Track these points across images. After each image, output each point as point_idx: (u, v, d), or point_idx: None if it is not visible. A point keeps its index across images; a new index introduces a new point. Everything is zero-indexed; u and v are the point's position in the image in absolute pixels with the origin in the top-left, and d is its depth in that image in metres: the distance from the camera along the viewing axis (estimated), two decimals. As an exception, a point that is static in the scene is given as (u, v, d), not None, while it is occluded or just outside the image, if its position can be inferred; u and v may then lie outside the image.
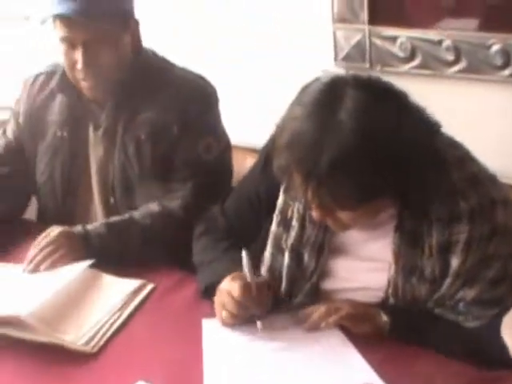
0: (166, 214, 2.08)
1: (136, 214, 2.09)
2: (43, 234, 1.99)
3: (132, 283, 1.86)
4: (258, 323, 1.62)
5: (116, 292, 1.82)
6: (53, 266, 1.92)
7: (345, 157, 1.42)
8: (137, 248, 2.02)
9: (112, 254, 1.99)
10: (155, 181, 2.15)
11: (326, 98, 1.49)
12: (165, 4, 3.00)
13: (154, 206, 2.10)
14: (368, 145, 1.43)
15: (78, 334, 1.64)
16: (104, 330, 1.67)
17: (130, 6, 2.15)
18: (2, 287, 1.86)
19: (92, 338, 1.63)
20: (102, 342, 1.63)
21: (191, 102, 2.15)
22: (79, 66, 2.07)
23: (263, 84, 2.80)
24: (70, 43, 2.07)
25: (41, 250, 1.95)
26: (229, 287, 1.64)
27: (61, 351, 1.61)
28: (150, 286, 1.87)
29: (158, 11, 2.98)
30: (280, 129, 1.55)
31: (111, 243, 2.01)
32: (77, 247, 1.97)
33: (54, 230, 1.99)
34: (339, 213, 1.56)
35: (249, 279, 1.64)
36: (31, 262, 1.93)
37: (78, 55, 2.06)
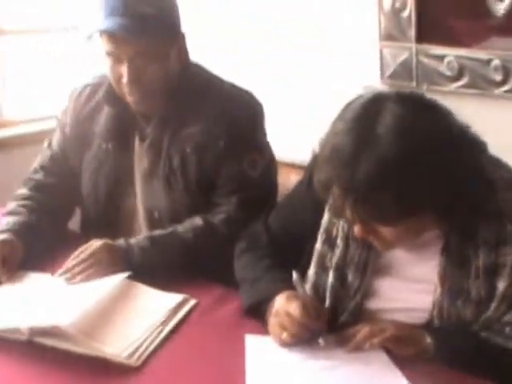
0: (209, 229, 2.08)
1: (179, 227, 2.09)
2: (84, 246, 2.01)
3: (175, 298, 1.86)
4: (320, 340, 1.62)
5: (159, 306, 1.81)
6: (88, 279, 1.93)
7: (381, 171, 1.43)
8: (179, 262, 2.02)
9: (154, 267, 1.99)
10: (199, 194, 2.15)
11: (366, 112, 1.50)
12: (211, 20, 3.01)
13: (197, 220, 2.09)
14: (405, 159, 1.43)
15: (120, 346, 1.64)
16: (147, 343, 1.67)
17: (176, 20, 2.16)
18: (43, 297, 1.87)
19: (135, 352, 1.63)
20: (144, 356, 1.63)
21: (238, 117, 2.15)
22: (125, 80, 2.08)
23: (308, 100, 2.80)
24: (116, 58, 2.08)
25: (80, 261, 1.96)
26: (286, 308, 1.63)
27: (102, 363, 1.61)
28: (192, 302, 1.86)
29: (204, 27, 2.99)
30: (322, 144, 1.55)
31: (153, 257, 2.01)
32: (117, 261, 1.98)
33: (96, 244, 2.00)
34: (380, 229, 1.55)
35: (305, 299, 1.64)
36: (68, 271, 1.95)
37: (124, 70, 2.07)
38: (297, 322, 1.61)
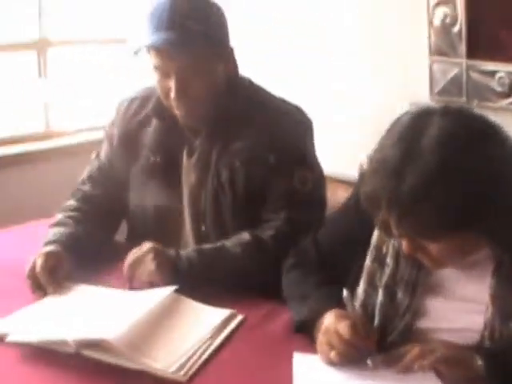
0: (257, 244, 2.06)
1: (227, 242, 2.08)
2: (135, 249, 2.01)
3: (222, 313, 1.85)
4: (368, 361, 1.59)
5: (206, 321, 1.81)
6: (139, 280, 1.94)
7: (425, 184, 1.42)
8: (225, 276, 2.01)
9: (199, 280, 1.98)
10: (247, 209, 2.14)
11: (413, 126, 1.50)
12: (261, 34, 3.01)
13: (245, 236, 2.08)
14: (449, 172, 1.42)
15: (167, 361, 1.62)
16: (194, 358, 1.65)
17: (223, 34, 2.15)
18: (90, 309, 1.87)
19: (182, 367, 1.61)
20: (192, 371, 1.61)
21: (288, 132, 2.14)
22: (172, 95, 2.08)
23: (357, 115, 2.78)
24: (163, 72, 2.08)
25: (130, 264, 1.97)
26: (336, 326, 1.62)
27: (149, 378, 1.60)
28: (239, 317, 1.85)
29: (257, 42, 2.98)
30: (369, 159, 1.55)
31: (199, 268, 2.01)
32: (164, 268, 1.97)
33: (146, 246, 2.00)
34: (427, 246, 1.53)
35: (354, 317, 1.62)
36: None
37: (171, 84, 2.07)
38: (345, 340, 1.59)
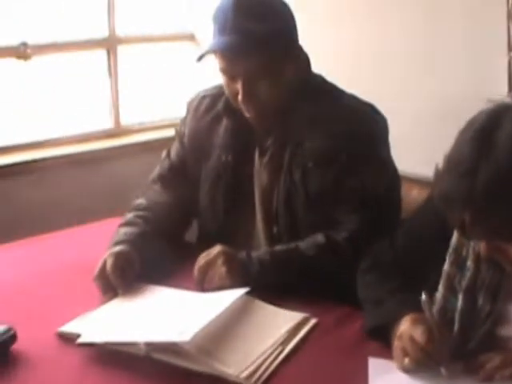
0: (331, 247, 2.01)
1: (301, 244, 2.03)
2: (206, 252, 1.98)
3: (295, 316, 1.80)
4: (442, 369, 1.54)
5: (279, 324, 1.76)
6: (209, 284, 1.92)
7: (499, 182, 1.38)
8: (297, 279, 1.96)
9: (271, 282, 1.94)
10: (320, 210, 2.09)
11: (487, 123, 1.45)
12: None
13: (320, 238, 2.03)
14: None
15: (240, 366, 1.59)
16: (267, 363, 1.62)
17: (290, 33, 2.10)
18: (161, 311, 1.85)
19: (255, 372, 1.58)
20: (264, 377, 1.58)
21: (361, 131, 2.08)
22: (240, 98, 2.04)
23: (432, 112, 2.72)
24: (230, 75, 2.05)
25: (200, 267, 1.94)
26: (411, 332, 1.57)
27: (217, 381, 1.57)
28: (313, 321, 1.80)
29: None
30: (444, 159, 1.51)
31: (272, 271, 1.97)
32: (236, 270, 1.94)
33: (217, 249, 1.97)
34: (506, 246, 1.48)
35: (431, 323, 1.57)
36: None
37: (239, 87, 2.04)
38: (420, 347, 1.54)
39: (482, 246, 1.52)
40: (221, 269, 1.94)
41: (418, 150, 2.65)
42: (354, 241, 2.00)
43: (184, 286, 1.99)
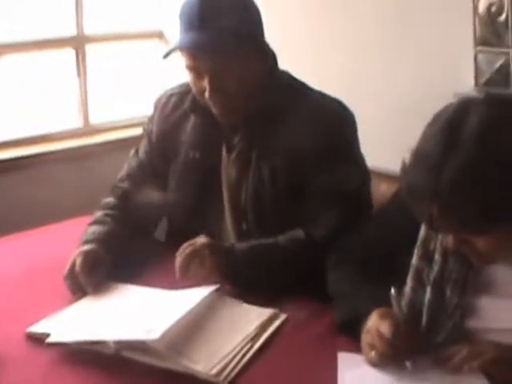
0: (309, 242, 2.01)
1: (281, 238, 2.03)
2: (189, 242, 1.96)
3: (264, 312, 1.80)
4: (408, 363, 1.54)
5: (248, 320, 1.77)
6: (187, 278, 1.90)
7: (465, 175, 1.39)
8: (276, 271, 1.96)
9: (251, 274, 1.94)
10: (289, 207, 2.09)
11: (454, 116, 1.47)
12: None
13: (299, 233, 2.03)
14: (489, 163, 1.39)
15: (209, 362, 1.59)
16: (236, 360, 1.61)
17: (256, 29, 2.10)
18: (130, 309, 1.84)
19: (224, 368, 1.58)
20: (234, 373, 1.58)
21: (329, 127, 2.08)
22: (207, 94, 2.04)
23: (400, 107, 2.73)
24: (196, 72, 2.05)
25: (185, 257, 1.92)
26: (378, 326, 1.57)
27: (189, 379, 1.56)
28: (283, 316, 1.80)
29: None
30: (411, 152, 1.52)
31: (253, 262, 1.96)
32: (220, 261, 1.93)
33: (201, 241, 1.96)
34: (473, 239, 1.49)
35: (399, 317, 1.58)
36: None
37: (205, 84, 2.03)
38: (386, 340, 1.55)
39: (449, 239, 1.53)
40: (206, 260, 1.92)
41: (386, 144, 2.65)
42: (330, 238, 1.99)
43: (154, 283, 1.98)
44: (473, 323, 1.63)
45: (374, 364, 1.58)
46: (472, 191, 1.40)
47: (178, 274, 1.92)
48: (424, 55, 2.65)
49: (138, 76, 3.94)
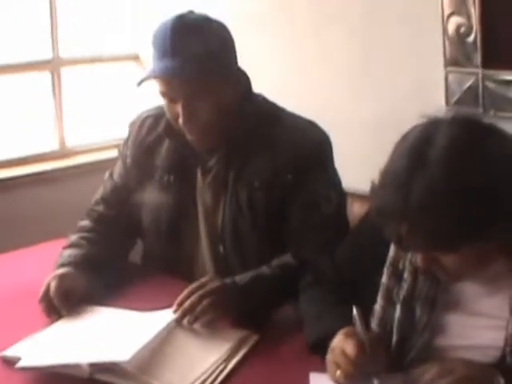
0: (301, 268, 1.99)
1: (276, 268, 2.02)
2: (197, 284, 1.92)
3: (237, 333, 1.82)
4: (375, 381, 1.55)
5: (220, 342, 1.78)
6: (208, 324, 1.85)
7: (432, 196, 1.41)
8: (274, 300, 1.96)
9: (251, 306, 1.92)
10: (267, 230, 2.10)
11: (420, 137, 1.49)
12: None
13: (290, 259, 2.04)
14: (455, 183, 1.41)
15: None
16: (209, 381, 1.63)
17: (229, 54, 2.11)
18: (103, 332, 1.85)
19: (196, 390, 1.59)
20: (206, 395, 1.59)
21: (305, 149, 2.10)
22: (180, 121, 2.05)
23: (371, 127, 2.76)
24: (170, 98, 2.06)
25: (197, 300, 1.87)
26: (342, 345, 1.58)
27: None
28: (255, 337, 1.82)
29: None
30: (379, 173, 1.54)
31: (254, 296, 1.94)
32: (233, 301, 1.91)
33: (212, 285, 1.91)
34: (441, 258, 1.51)
35: (362, 336, 1.58)
36: (183, 308, 1.87)
37: (179, 110, 2.04)
38: (350, 360, 1.56)
39: (418, 258, 1.55)
40: (218, 309, 1.88)
41: (357, 164, 2.68)
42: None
43: (128, 306, 1.98)
44: (442, 341, 1.65)
45: (340, 383, 1.58)
46: (439, 211, 1.42)
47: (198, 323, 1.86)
48: (395, 76, 2.68)
49: (113, 98, 3.95)
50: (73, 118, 3.84)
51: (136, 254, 2.40)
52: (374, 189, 1.55)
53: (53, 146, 3.82)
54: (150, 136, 2.27)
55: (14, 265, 2.38)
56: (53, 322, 1.93)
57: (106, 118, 3.94)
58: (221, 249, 2.16)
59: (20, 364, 1.69)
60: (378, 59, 2.71)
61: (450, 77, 2.56)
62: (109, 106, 3.95)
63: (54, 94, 3.73)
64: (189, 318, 1.85)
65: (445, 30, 2.56)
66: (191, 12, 2.10)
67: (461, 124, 1.50)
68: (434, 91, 2.59)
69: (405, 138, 1.53)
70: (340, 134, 2.69)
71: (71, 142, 3.86)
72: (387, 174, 1.51)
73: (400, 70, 2.66)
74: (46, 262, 2.15)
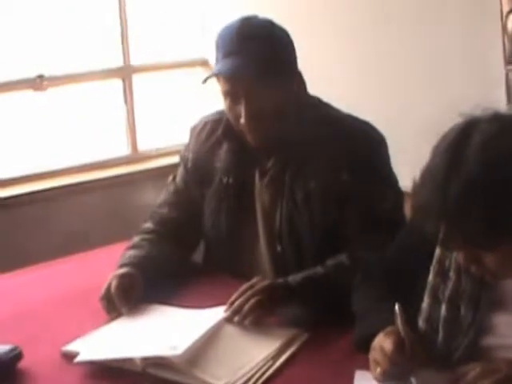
0: (356, 268, 2.00)
1: (330, 268, 2.05)
2: (249, 284, 1.99)
3: (287, 332, 1.85)
4: (413, 380, 1.57)
5: (270, 340, 1.82)
6: (255, 322, 1.90)
7: (469, 193, 1.42)
8: (329, 301, 1.97)
9: (306, 307, 1.97)
10: (324, 229, 2.13)
11: (458, 135, 1.49)
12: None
13: (345, 260, 2.06)
14: (492, 180, 1.41)
15: (229, 379, 1.64)
16: (256, 378, 1.67)
17: (290, 55, 2.16)
18: (159, 328, 1.91)
19: (243, 386, 1.63)
20: (252, 390, 1.63)
21: (361, 150, 2.12)
22: (242, 120, 2.09)
23: (428, 128, 2.74)
24: (233, 97, 2.10)
25: (246, 300, 1.93)
26: (382, 343, 1.60)
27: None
28: (303, 336, 1.85)
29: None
30: (420, 172, 1.55)
31: (308, 298, 1.98)
32: (282, 299, 1.96)
33: (262, 282, 1.98)
34: (482, 256, 1.51)
35: (402, 335, 1.59)
36: (233, 307, 1.93)
37: (242, 109, 2.08)
38: (389, 359, 1.57)
39: (459, 256, 1.56)
40: (266, 305, 1.93)
41: (416, 164, 2.68)
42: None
43: (186, 304, 2.04)
44: (488, 340, 1.64)
45: (380, 381, 1.60)
46: (477, 208, 1.42)
47: (246, 321, 1.91)
48: (454, 75, 2.66)
49: (183, 103, 4.03)
50: (144, 123, 3.93)
51: (199, 254, 2.45)
52: (414, 187, 1.56)
53: (125, 151, 3.92)
54: (209, 140, 2.33)
55: (83, 266, 2.47)
56: (113, 319, 2.01)
57: (177, 122, 4.01)
58: (278, 248, 2.19)
59: (78, 358, 1.77)
60: (435, 59, 2.70)
61: (511, 75, 2.54)
62: (179, 110, 4.03)
63: (126, 100, 3.83)
64: (238, 317, 1.90)
65: (504, 27, 2.54)
66: (255, 16, 2.16)
67: (499, 121, 1.50)
68: (494, 90, 2.56)
69: (444, 137, 1.54)
70: (397, 134, 2.71)
71: (143, 147, 3.96)
72: (426, 173, 1.52)
73: (459, 68, 2.65)
74: (114, 263, 2.21)
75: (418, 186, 1.54)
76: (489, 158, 1.43)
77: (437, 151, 1.53)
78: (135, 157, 3.91)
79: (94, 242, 2.70)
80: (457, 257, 1.64)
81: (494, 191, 1.42)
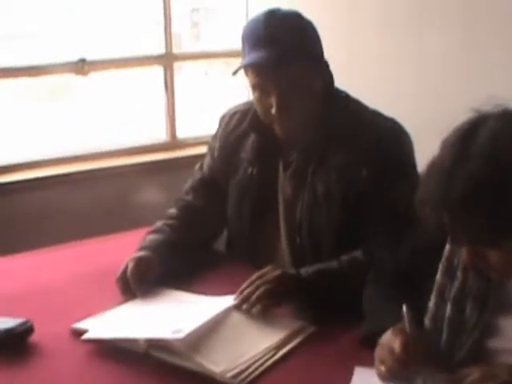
0: (367, 262, 2.03)
1: (344, 263, 2.06)
2: (260, 273, 2.00)
3: (293, 324, 1.86)
4: (419, 380, 1.56)
5: (275, 330, 1.83)
6: (262, 311, 1.91)
7: (473, 189, 1.41)
8: (340, 296, 1.97)
9: (317, 299, 1.96)
10: (343, 223, 2.13)
11: (466, 130, 1.49)
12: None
13: (360, 256, 2.07)
14: (498, 177, 1.40)
15: (229, 365, 1.66)
16: (255, 366, 1.68)
17: (318, 48, 2.16)
18: (167, 312, 1.94)
19: (241, 373, 1.64)
20: (250, 378, 1.64)
21: (383, 146, 2.12)
22: (273, 111, 2.09)
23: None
24: (263, 89, 2.11)
25: (255, 289, 1.95)
26: (389, 342, 1.60)
27: (204, 379, 1.65)
28: (310, 329, 1.85)
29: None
30: (426, 165, 1.55)
31: (320, 291, 1.98)
32: (291, 290, 1.97)
33: (272, 274, 1.99)
34: (487, 252, 1.49)
35: (408, 335, 1.59)
36: (244, 298, 1.94)
37: (272, 100, 2.09)
38: (395, 357, 1.57)
39: (463, 254, 1.54)
40: (276, 295, 1.94)
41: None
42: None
43: (201, 291, 2.07)
44: (494, 343, 1.62)
45: (384, 379, 1.60)
46: (481, 204, 1.41)
47: (254, 310, 1.92)
48: (496, 78, 2.62)
49: (222, 93, 4.05)
50: (183, 110, 3.97)
51: (221, 242, 2.47)
52: (420, 180, 1.56)
53: (164, 137, 3.96)
54: (236, 130, 2.35)
55: (112, 248, 2.50)
56: (127, 300, 2.04)
57: (215, 111, 4.03)
58: (298, 240, 2.20)
59: (85, 336, 1.81)
60: (477, 60, 2.67)
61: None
62: (218, 99, 4.05)
63: (166, 87, 3.87)
64: (246, 305, 1.92)
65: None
66: (279, 8, 2.15)
67: (507, 118, 1.48)
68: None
69: (453, 131, 1.53)
70: (432, 130, 2.70)
71: (182, 134, 4.00)
72: (432, 165, 1.52)
73: (503, 71, 2.60)
74: (136, 246, 2.23)
75: (424, 178, 1.54)
76: (494, 155, 1.43)
77: (444, 145, 1.52)
78: (174, 143, 3.95)
79: (123, 226, 2.72)
80: (461, 254, 1.63)
81: (497, 187, 1.41)
